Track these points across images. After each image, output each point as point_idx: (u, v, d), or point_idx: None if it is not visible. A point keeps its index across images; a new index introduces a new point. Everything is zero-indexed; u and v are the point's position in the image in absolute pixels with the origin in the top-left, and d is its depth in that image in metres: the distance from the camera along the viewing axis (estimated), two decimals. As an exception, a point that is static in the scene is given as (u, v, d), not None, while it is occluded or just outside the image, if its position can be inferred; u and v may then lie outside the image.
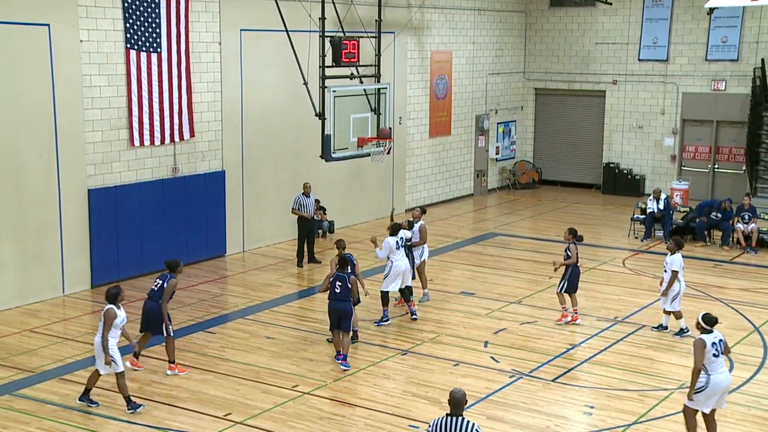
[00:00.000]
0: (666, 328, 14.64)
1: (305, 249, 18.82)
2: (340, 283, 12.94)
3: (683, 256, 14.53)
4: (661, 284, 14.70)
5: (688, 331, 14.28)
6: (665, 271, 14.46)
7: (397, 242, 14.90)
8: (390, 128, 17.69)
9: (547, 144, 29.60)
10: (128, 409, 11.29)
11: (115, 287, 11.50)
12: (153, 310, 12.59)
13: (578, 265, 15.05)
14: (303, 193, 18.82)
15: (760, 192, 24.38)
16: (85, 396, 11.54)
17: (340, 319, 12.98)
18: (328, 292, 13.13)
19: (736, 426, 11.18)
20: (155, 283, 12.75)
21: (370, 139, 17.72)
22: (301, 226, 18.72)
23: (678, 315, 14.42)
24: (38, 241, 15.91)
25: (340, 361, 12.98)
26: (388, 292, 14.95)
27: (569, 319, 15.09)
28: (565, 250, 15.05)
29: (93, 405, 11.47)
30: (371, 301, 15.13)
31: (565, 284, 14.96)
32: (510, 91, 28.71)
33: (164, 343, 12.77)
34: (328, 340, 13.93)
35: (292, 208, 18.86)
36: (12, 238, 15.53)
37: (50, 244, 16.11)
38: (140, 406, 11.40)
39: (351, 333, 13.22)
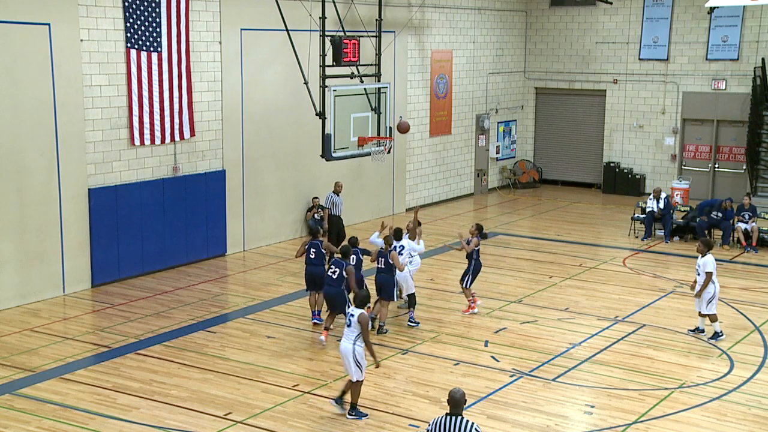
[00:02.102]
0: (702, 331, 14.42)
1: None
2: (314, 250, 14.61)
3: (717, 260, 14.42)
4: (692, 287, 14.52)
5: (722, 335, 14.21)
6: (698, 274, 14.22)
7: (395, 248, 14.85)
8: (407, 123, 17.90)
9: (547, 143, 29.60)
10: (349, 414, 11.15)
11: (367, 291, 11.50)
12: (331, 294, 13.88)
13: (479, 260, 15.38)
14: (334, 192, 19.11)
15: (761, 191, 24.38)
16: (354, 409, 11.23)
17: (315, 281, 14.53)
18: (305, 257, 14.77)
19: (736, 425, 11.18)
20: (332, 271, 13.82)
21: (371, 138, 17.71)
22: (331, 225, 18.95)
23: (713, 318, 14.23)
24: (39, 240, 15.91)
25: (314, 321, 14.74)
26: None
27: (476, 310, 15.44)
28: (467, 241, 15.28)
29: (364, 417, 11.18)
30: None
31: (470, 278, 15.33)
32: (510, 90, 28.71)
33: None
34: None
35: (325, 207, 19.34)
36: (13, 238, 15.53)
37: (51, 243, 16.11)
38: (365, 415, 11.18)
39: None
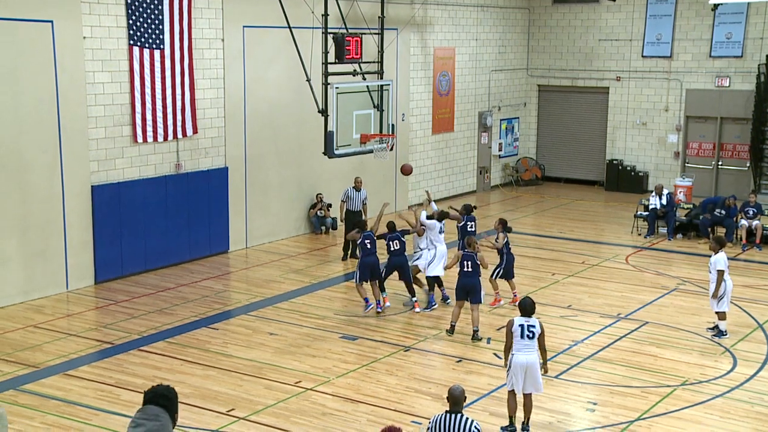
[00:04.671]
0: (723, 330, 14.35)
1: (350, 243, 18.95)
2: (368, 241, 15.14)
3: (730, 258, 14.39)
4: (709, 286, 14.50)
5: (726, 335, 14.15)
6: (710, 272, 14.15)
7: (441, 226, 15.79)
8: (411, 165, 18.35)
9: (550, 141, 29.58)
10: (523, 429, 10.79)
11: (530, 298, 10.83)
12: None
13: (511, 253, 15.76)
14: (353, 187, 19.23)
15: (764, 188, 24.35)
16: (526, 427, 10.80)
17: (373, 271, 15.07)
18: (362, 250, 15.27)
19: (739, 422, 11.18)
20: (396, 244, 15.12)
21: (373, 135, 17.74)
22: (347, 220, 19.03)
23: (722, 316, 14.16)
24: (42, 237, 15.94)
25: (379, 309, 15.15)
26: (434, 276, 15.49)
27: (502, 303, 15.72)
28: (495, 238, 15.70)
29: None
30: (395, 291, 15.21)
31: (500, 271, 15.66)
32: (513, 87, 28.69)
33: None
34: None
35: (341, 200, 19.40)
36: (16, 235, 15.56)
37: (54, 240, 16.14)
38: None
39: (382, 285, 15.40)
